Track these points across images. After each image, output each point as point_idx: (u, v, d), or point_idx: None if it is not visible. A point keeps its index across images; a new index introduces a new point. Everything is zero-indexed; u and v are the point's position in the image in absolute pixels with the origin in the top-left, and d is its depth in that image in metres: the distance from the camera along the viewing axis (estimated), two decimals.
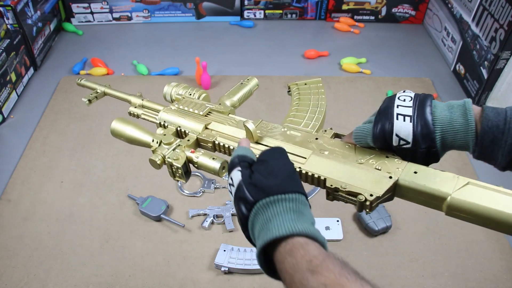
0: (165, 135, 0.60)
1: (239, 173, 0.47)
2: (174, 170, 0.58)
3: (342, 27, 1.77)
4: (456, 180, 0.47)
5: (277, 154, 0.48)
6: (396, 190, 0.50)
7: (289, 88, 0.69)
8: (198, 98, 0.68)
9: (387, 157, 0.52)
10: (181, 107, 0.66)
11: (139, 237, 1.01)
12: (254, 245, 0.46)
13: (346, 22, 1.79)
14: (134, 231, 1.02)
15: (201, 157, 0.57)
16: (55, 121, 1.32)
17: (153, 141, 0.60)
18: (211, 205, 1.06)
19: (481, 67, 1.36)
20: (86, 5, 1.75)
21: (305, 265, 0.38)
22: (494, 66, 1.30)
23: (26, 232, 1.01)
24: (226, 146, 0.59)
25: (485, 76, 1.34)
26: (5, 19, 1.39)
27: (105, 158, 1.20)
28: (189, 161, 0.58)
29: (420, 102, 0.50)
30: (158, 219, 1.04)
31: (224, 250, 0.95)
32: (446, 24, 1.61)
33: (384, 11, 1.80)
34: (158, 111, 0.67)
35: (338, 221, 1.02)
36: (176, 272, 0.94)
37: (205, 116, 0.64)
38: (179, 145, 0.59)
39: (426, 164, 0.51)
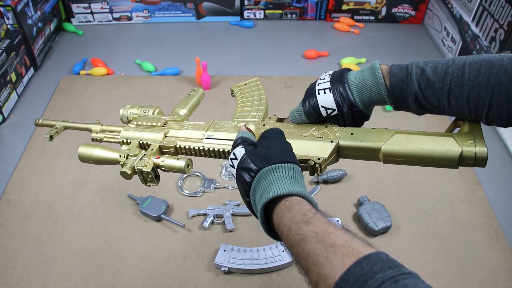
0: (129, 149, 0.66)
1: (243, 149, 0.54)
2: (144, 176, 0.64)
3: (342, 27, 1.77)
4: (386, 132, 0.56)
5: (277, 134, 0.57)
6: (339, 152, 0.58)
7: (232, 90, 0.76)
8: (153, 113, 0.74)
9: (326, 127, 0.60)
10: (139, 123, 0.72)
11: (139, 237, 1.01)
12: (252, 211, 0.54)
13: (346, 22, 1.79)
14: (134, 231, 1.02)
15: (166, 160, 0.63)
16: None
17: (120, 156, 0.65)
18: (211, 205, 1.06)
19: None
20: (86, 5, 1.75)
21: (300, 218, 0.46)
22: None
23: (26, 232, 1.02)
24: (187, 147, 0.66)
25: None
26: (5, 19, 1.39)
27: None
28: (156, 166, 0.64)
29: (336, 75, 0.59)
30: (158, 219, 1.04)
31: (224, 250, 0.95)
32: (446, 24, 1.61)
33: (384, 11, 1.80)
34: (119, 131, 0.72)
35: (338, 221, 1.02)
36: (176, 272, 0.94)
37: (163, 126, 0.70)
38: (144, 154, 0.64)
39: (359, 124, 0.60)
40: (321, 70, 1.56)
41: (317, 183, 1.12)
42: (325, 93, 0.58)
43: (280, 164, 0.51)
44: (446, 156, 0.52)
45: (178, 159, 0.63)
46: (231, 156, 0.55)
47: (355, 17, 1.82)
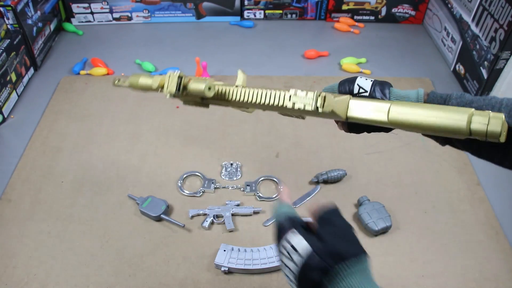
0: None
1: (305, 243, 0.47)
2: (170, 80, 0.67)
3: (342, 27, 1.77)
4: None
5: (337, 214, 0.52)
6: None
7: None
8: None
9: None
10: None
11: (139, 237, 1.01)
12: None
13: (346, 22, 1.79)
14: (134, 231, 1.02)
15: (192, 81, 0.66)
16: (55, 121, 1.33)
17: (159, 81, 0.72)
18: (211, 205, 1.06)
19: (481, 67, 1.37)
20: (86, 5, 1.75)
21: None
22: (494, 66, 1.30)
23: (26, 232, 1.02)
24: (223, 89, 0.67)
25: (485, 76, 1.34)
26: (5, 19, 1.39)
27: (105, 158, 1.20)
28: (184, 86, 0.66)
29: (379, 82, 0.60)
30: (158, 219, 1.04)
31: (224, 250, 0.95)
32: (446, 24, 1.61)
33: (384, 11, 1.80)
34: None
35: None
36: (176, 272, 0.94)
37: None
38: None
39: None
40: (321, 70, 1.56)
41: (317, 183, 1.12)
42: (366, 80, 0.60)
43: (355, 259, 0.45)
44: (455, 115, 0.51)
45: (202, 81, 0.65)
46: (287, 246, 0.48)
47: (355, 17, 1.82)
